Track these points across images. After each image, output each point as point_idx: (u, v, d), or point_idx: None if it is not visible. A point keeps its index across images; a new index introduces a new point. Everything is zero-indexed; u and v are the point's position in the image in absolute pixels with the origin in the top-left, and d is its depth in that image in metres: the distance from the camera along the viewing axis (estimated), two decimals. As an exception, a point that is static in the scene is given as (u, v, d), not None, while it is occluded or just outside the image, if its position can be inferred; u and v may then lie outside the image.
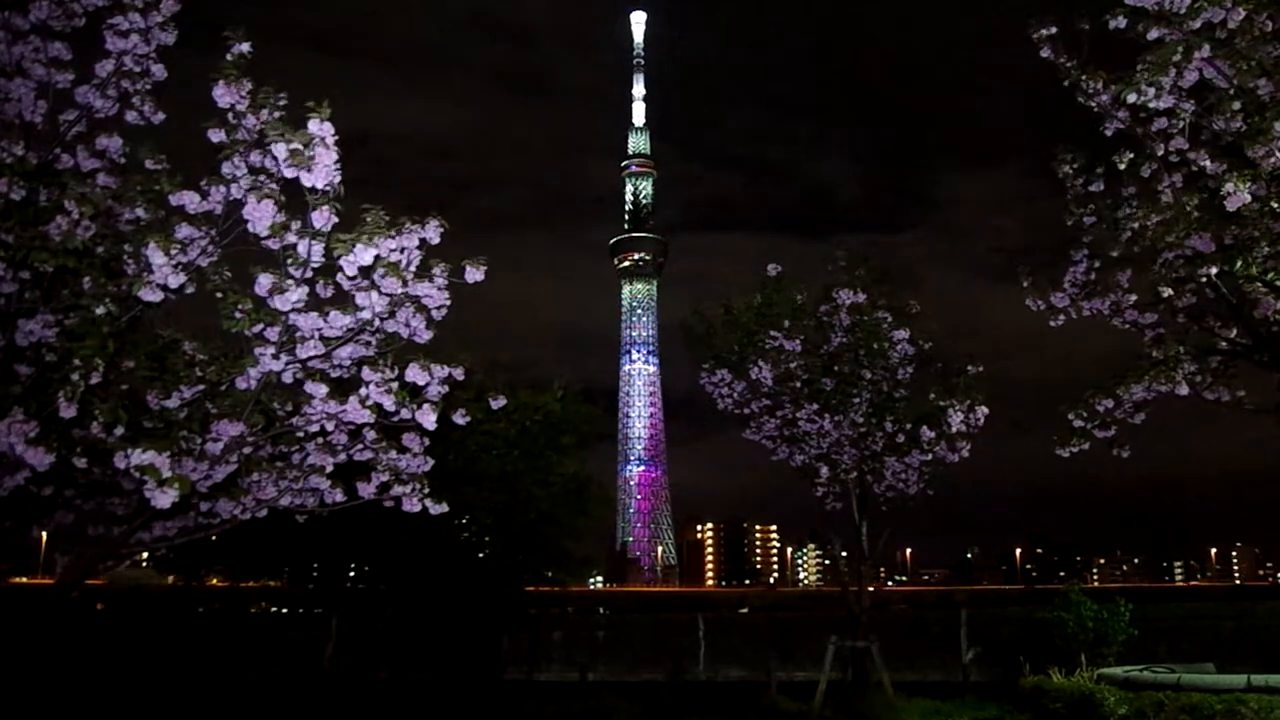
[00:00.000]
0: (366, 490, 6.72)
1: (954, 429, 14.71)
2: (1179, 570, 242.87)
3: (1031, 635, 19.07)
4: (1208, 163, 7.49)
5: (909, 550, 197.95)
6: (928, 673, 21.78)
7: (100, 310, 4.90)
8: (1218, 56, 6.96)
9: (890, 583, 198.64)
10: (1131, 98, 7.24)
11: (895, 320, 15.09)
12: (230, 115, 5.42)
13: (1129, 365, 9.39)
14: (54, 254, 4.70)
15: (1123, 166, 8.44)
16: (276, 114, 5.38)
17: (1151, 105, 7.25)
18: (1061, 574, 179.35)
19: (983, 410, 14.84)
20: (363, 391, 5.98)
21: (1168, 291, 8.89)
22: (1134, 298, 9.48)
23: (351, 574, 15.86)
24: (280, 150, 4.87)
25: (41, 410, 4.80)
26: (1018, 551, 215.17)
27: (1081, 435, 9.68)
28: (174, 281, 5.09)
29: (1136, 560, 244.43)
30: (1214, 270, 8.06)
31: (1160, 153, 7.98)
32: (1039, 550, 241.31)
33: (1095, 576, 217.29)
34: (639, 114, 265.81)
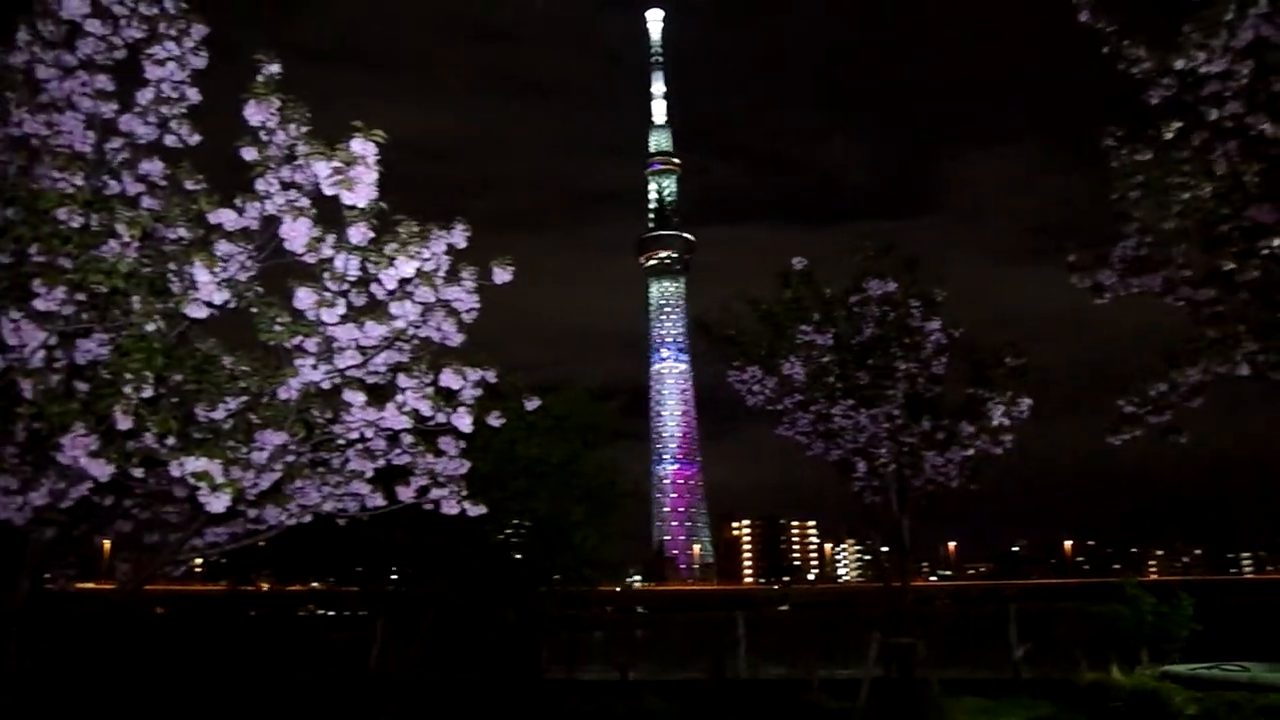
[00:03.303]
0: (406, 494, 6.89)
1: (995, 422, 14.53)
2: (1247, 561, 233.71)
3: (1086, 631, 18.74)
4: (1267, 126, 7.07)
5: (952, 544, 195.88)
6: (976, 670, 21.55)
7: (150, 327, 5.12)
8: (1278, 11, 6.60)
9: (934, 577, 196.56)
10: (1179, 64, 6.99)
11: (926, 309, 14.95)
12: (261, 133, 5.62)
13: (1182, 346, 8.80)
14: (108, 275, 4.93)
15: (1170, 136, 7.92)
16: (304, 127, 5.56)
17: (1202, 70, 6.95)
18: (1116, 566, 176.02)
19: (1026, 402, 14.65)
20: (400, 398, 6.14)
21: (1229, 265, 8.39)
22: (1188, 273, 8.81)
23: (394, 577, 16.10)
24: (322, 169, 5.03)
25: (99, 424, 5.03)
26: (1067, 544, 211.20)
27: (1133, 422, 9.34)
28: (218, 298, 5.32)
29: (1198, 551, 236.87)
30: (1277, 242, 7.60)
31: (1213, 118, 7.50)
32: (1090, 542, 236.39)
33: (1153, 569, 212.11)
34: (659, 112, 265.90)
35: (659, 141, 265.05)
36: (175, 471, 5.22)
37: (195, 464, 5.05)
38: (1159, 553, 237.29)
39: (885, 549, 17.43)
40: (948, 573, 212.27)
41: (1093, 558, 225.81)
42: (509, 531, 14.68)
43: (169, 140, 6.26)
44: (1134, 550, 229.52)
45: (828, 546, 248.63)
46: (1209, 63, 6.85)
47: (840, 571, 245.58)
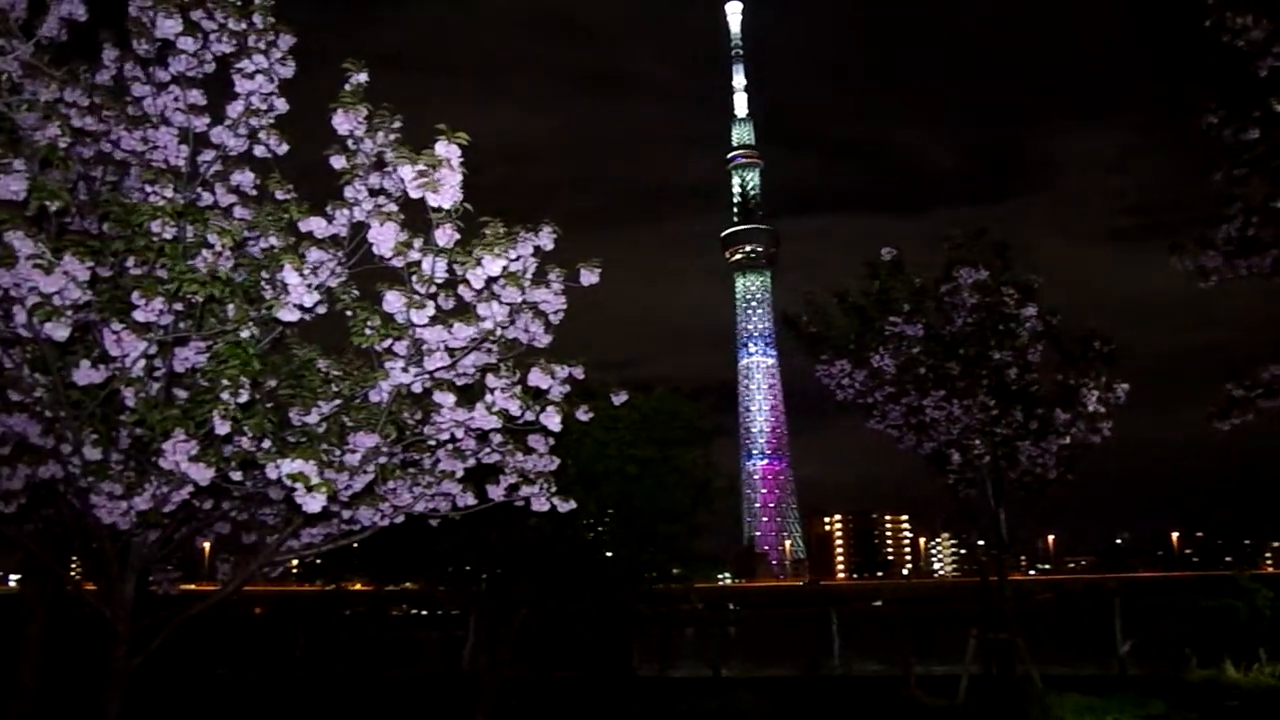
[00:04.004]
0: (496, 492, 6.93)
1: (1090, 409, 14.08)
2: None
3: (1196, 626, 18.01)
4: None
5: (1051, 537, 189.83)
6: (1079, 666, 20.95)
7: (245, 334, 5.24)
8: None
9: (1033, 571, 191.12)
10: None
11: (1021, 297, 14.51)
12: (349, 141, 5.70)
13: None
14: (203, 285, 5.06)
15: None
16: (392, 136, 5.63)
17: None
18: (1228, 559, 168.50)
19: (1123, 387, 14.18)
20: (489, 398, 6.17)
21: None
22: None
23: (485, 576, 16.28)
24: (407, 172, 5.07)
25: (198, 429, 5.16)
26: (1174, 536, 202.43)
27: (1244, 407, 8.85)
28: (309, 300, 5.41)
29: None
30: None
31: None
32: (1199, 534, 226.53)
33: (1269, 562, 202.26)
34: (741, 105, 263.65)
35: (741, 135, 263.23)
36: (272, 474, 5.35)
37: (291, 466, 5.16)
38: (1275, 544, 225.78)
39: (981, 543, 16.98)
40: (1046, 567, 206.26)
41: (1202, 550, 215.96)
42: (600, 530, 14.69)
43: (258, 151, 6.41)
44: (1247, 542, 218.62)
45: (921, 541, 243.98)
46: None
47: (935, 566, 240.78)
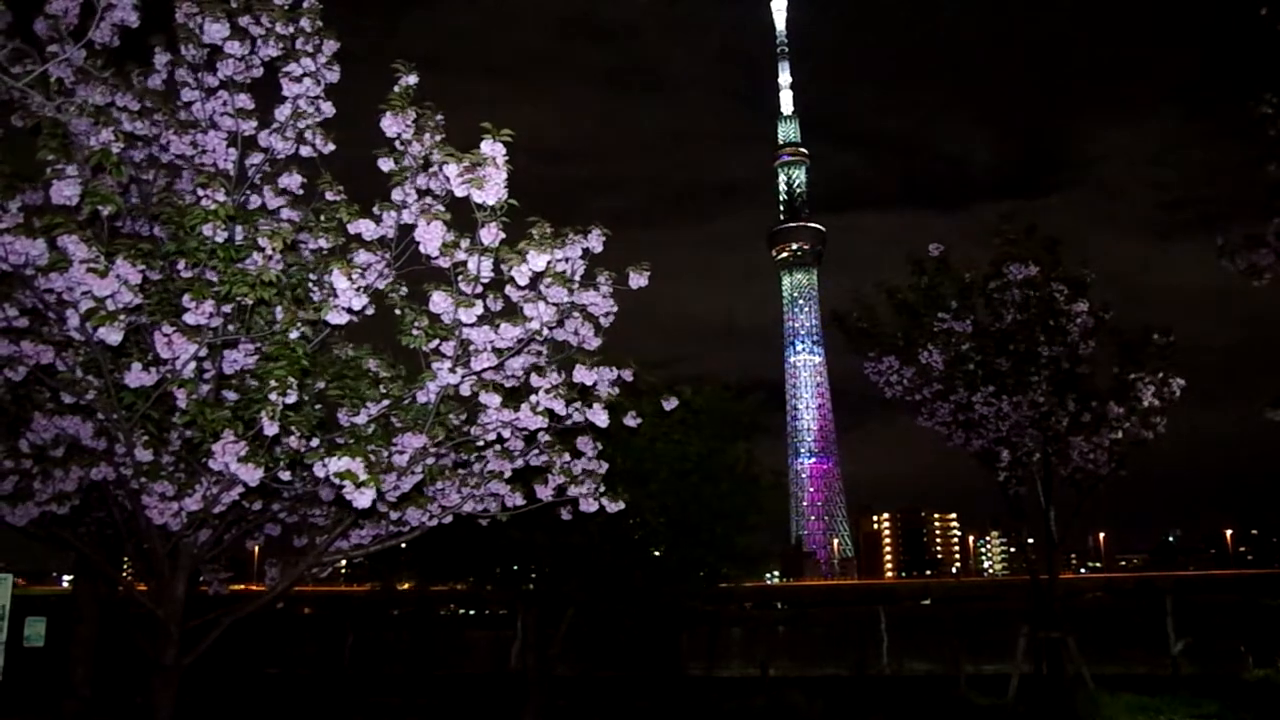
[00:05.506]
0: (544, 493, 6.92)
1: (1145, 404, 13.85)
2: None
3: (1252, 624, 17.63)
4: None
5: (1102, 535, 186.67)
6: (1131, 665, 20.60)
7: (294, 335, 5.27)
8: None
9: (1083, 569, 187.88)
10: None
11: (1071, 292, 14.28)
12: (397, 143, 5.70)
13: None
14: (253, 287, 5.09)
15: None
16: (439, 135, 5.63)
17: None
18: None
19: (1178, 382, 13.92)
20: (534, 398, 6.16)
21: None
22: None
23: (534, 576, 16.33)
24: (452, 170, 5.07)
25: (248, 430, 5.20)
26: (1228, 533, 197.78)
27: None
28: (357, 304, 5.43)
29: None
30: None
31: None
32: (1254, 531, 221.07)
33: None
34: (787, 102, 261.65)
35: (787, 133, 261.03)
36: (319, 472, 5.37)
37: (338, 464, 5.18)
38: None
39: (1031, 540, 16.74)
40: (1097, 565, 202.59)
41: (1258, 548, 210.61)
42: (650, 528, 14.67)
43: (305, 152, 6.44)
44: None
45: (970, 539, 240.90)
46: None
47: (984, 564, 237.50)
